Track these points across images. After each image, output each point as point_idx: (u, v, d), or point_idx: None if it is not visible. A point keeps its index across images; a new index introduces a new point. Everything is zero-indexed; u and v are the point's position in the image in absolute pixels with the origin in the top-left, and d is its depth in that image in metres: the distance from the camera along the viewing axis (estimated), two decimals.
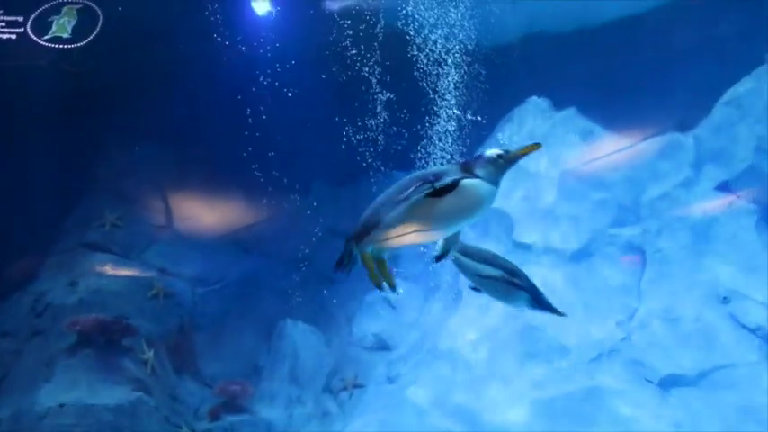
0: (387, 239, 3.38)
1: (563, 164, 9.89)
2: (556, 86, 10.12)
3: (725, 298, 8.95)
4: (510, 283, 4.76)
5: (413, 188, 3.26)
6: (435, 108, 8.90)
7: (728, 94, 9.81)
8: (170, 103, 9.91)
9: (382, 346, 9.98)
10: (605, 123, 10.07)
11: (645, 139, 9.90)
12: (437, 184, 3.20)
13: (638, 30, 10.30)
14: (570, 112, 10.18)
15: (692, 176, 9.67)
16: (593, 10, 10.37)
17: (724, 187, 9.65)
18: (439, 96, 8.90)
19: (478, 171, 3.29)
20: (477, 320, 9.44)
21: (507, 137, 10.31)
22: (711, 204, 9.55)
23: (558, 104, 10.27)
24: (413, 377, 9.29)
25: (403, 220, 3.29)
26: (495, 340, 9.25)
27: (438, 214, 3.27)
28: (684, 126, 10.03)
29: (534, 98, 10.26)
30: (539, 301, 4.85)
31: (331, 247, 10.62)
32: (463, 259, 4.82)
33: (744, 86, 9.78)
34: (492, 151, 3.40)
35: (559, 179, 9.78)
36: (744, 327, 8.82)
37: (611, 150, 9.90)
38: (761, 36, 9.72)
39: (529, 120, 10.23)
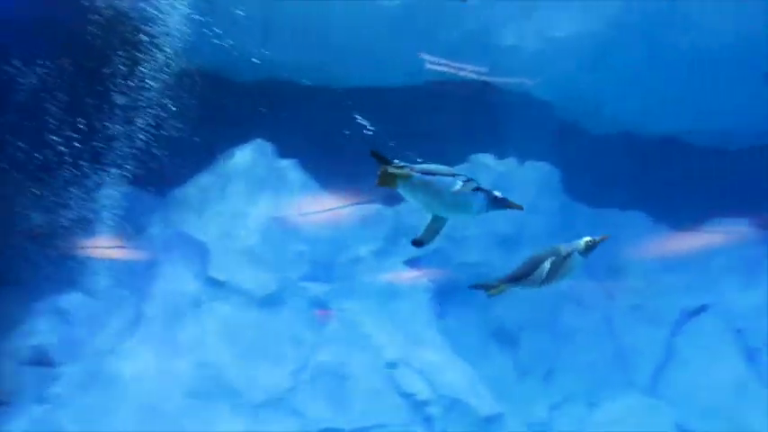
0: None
1: (273, 210, 10.09)
2: (283, 134, 10.34)
3: (390, 363, 9.68)
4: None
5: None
6: (155, 127, 8.68)
7: None
8: None
9: (42, 361, 9.09)
10: (322, 181, 10.52)
11: (353, 204, 10.51)
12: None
13: (373, 102, 10.93)
14: (292, 162, 10.47)
15: (387, 247, 10.46)
16: (340, 72, 10.79)
17: (412, 263, 10.59)
18: (161, 117, 8.69)
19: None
20: (153, 348, 9.12)
21: (228, 172, 10.30)
22: (397, 276, 10.43)
23: (282, 152, 10.51)
24: (66, 400, 8.62)
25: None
26: (166, 372, 8.99)
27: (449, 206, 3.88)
28: (390, 199, 10.82)
29: (259, 140, 10.38)
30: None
31: (12, 249, 9.65)
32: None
33: None
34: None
35: (266, 224, 9.95)
36: (401, 392, 9.64)
37: (320, 208, 10.34)
38: (469, 139, 10.89)
39: (250, 160, 10.30)
